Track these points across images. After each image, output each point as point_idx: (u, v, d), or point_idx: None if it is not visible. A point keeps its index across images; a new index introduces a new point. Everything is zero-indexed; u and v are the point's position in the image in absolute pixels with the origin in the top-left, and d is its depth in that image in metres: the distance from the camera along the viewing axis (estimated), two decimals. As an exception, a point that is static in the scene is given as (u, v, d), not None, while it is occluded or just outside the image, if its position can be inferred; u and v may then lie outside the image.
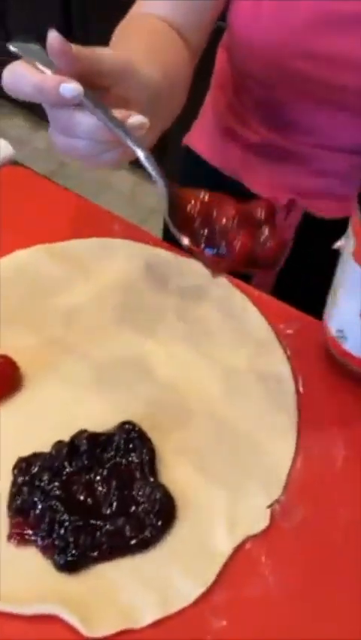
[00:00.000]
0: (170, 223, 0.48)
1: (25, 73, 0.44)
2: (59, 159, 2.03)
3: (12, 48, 0.47)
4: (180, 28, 0.66)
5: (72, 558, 0.48)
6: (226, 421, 0.58)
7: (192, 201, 0.48)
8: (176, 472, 0.54)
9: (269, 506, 0.53)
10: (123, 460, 0.53)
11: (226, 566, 0.50)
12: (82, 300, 0.65)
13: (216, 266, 0.48)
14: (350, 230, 0.53)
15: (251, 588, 0.49)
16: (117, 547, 0.49)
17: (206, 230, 0.47)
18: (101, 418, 0.56)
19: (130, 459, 0.53)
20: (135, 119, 0.47)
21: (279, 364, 0.63)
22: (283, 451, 0.56)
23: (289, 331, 0.66)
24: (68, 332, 0.63)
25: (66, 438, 0.54)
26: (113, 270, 0.69)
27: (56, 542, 0.49)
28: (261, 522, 0.52)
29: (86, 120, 0.46)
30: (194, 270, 0.70)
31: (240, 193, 0.81)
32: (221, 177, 0.83)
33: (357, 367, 0.60)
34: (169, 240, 0.71)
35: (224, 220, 0.47)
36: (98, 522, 0.50)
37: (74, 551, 0.48)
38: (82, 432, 0.54)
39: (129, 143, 0.47)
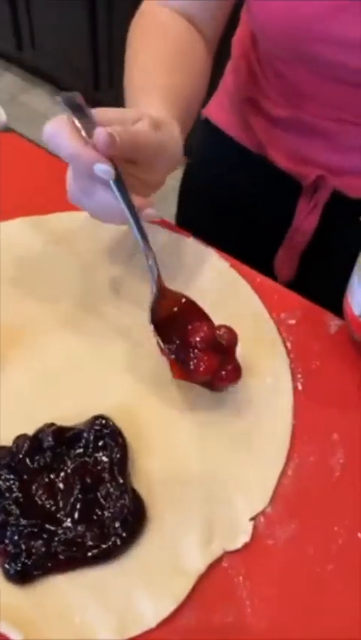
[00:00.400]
0: (149, 315, 0.52)
1: (65, 137, 0.47)
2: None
3: (58, 99, 0.51)
4: (195, 20, 0.66)
5: (24, 567, 0.43)
6: (210, 420, 0.52)
7: (173, 307, 0.53)
8: (150, 475, 0.48)
9: (252, 519, 0.47)
10: (91, 459, 0.48)
11: (197, 585, 0.44)
12: (63, 279, 0.60)
13: (179, 372, 0.51)
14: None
15: (224, 613, 0.43)
16: (75, 558, 0.44)
17: (177, 341, 0.52)
18: (72, 411, 0.50)
19: (99, 458, 0.48)
20: (149, 213, 0.51)
21: (277, 358, 0.56)
22: (273, 456, 0.50)
23: (291, 321, 0.59)
24: (43, 313, 0.57)
25: (31, 432, 0.49)
26: (101, 247, 0.63)
27: (8, 549, 0.43)
28: (241, 537, 0.46)
29: (105, 195, 0.49)
30: (191, 251, 0.64)
31: (263, 167, 0.75)
32: (242, 151, 0.77)
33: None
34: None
35: (197, 338, 0.51)
36: (56, 528, 0.44)
37: (26, 560, 0.43)
38: (48, 426, 0.49)
39: (136, 232, 0.51)
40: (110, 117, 0.51)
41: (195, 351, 0.51)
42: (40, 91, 2.16)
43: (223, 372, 0.51)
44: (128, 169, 0.52)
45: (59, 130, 0.48)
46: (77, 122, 0.49)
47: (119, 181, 0.49)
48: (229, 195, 0.81)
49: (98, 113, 0.51)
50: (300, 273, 0.79)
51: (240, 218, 0.81)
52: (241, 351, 0.56)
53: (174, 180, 0.70)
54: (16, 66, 2.21)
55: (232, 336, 0.52)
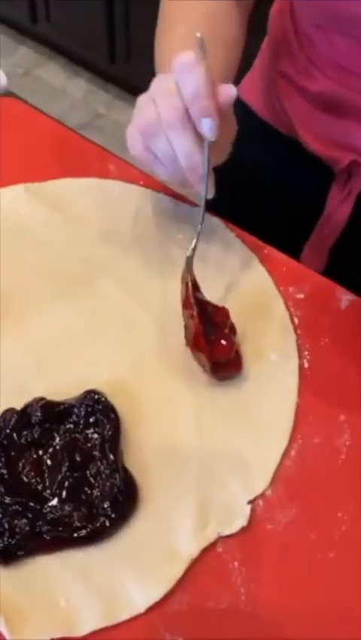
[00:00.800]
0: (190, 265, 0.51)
1: (199, 73, 0.45)
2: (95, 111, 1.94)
3: (197, 35, 0.47)
4: None
5: (7, 547, 0.41)
6: (209, 396, 0.49)
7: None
8: (143, 454, 0.46)
9: (250, 502, 0.44)
10: (82, 436, 0.45)
11: (189, 570, 0.41)
12: (60, 249, 0.57)
13: (197, 342, 0.49)
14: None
15: (217, 599, 0.41)
16: (61, 538, 0.41)
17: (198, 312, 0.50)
18: (65, 385, 0.48)
19: (90, 434, 0.45)
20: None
21: (283, 334, 0.53)
22: (275, 436, 0.47)
23: (300, 295, 0.56)
24: (37, 282, 0.54)
25: (20, 405, 0.46)
26: (100, 214, 0.60)
27: (-9, 527, 0.41)
28: (238, 520, 0.43)
29: (189, 141, 0.46)
30: (195, 221, 0.60)
31: (293, 150, 0.71)
32: (272, 133, 0.73)
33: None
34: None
35: (220, 320, 0.51)
36: (42, 507, 0.42)
37: (9, 539, 0.41)
38: (37, 400, 0.46)
39: (203, 188, 0.50)
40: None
41: (219, 330, 0.50)
42: (55, 65, 2.11)
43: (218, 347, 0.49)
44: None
45: (194, 64, 0.45)
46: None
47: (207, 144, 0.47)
48: (256, 179, 0.77)
49: None
50: (329, 266, 0.74)
51: (265, 204, 0.76)
52: (245, 326, 0.53)
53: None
54: (31, 39, 2.17)
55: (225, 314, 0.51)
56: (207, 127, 0.45)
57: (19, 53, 2.15)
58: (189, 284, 0.51)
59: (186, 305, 0.51)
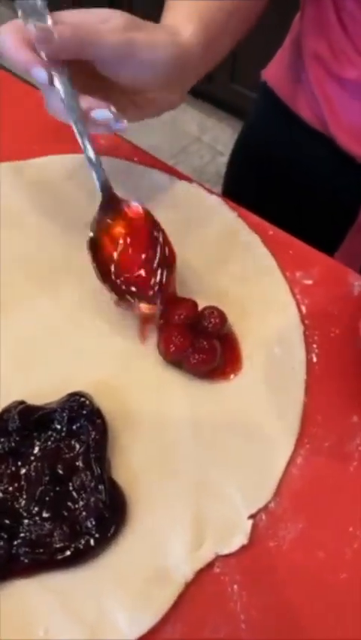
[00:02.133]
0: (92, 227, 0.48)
1: (7, 40, 0.44)
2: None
3: (17, 3, 0.45)
4: None
5: (-20, 570, 0.37)
6: (206, 398, 0.44)
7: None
8: (132, 463, 0.41)
9: (252, 516, 0.40)
10: (64, 444, 0.41)
11: (183, 594, 0.37)
12: (42, 235, 0.52)
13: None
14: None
15: (214, 628, 0.36)
16: (40, 560, 0.37)
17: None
18: (48, 386, 0.43)
19: (73, 443, 0.41)
20: (99, 113, 0.45)
21: (288, 325, 0.48)
22: (280, 441, 0.42)
23: (308, 281, 0.51)
24: (18, 271, 0.49)
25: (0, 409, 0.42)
26: (89, 195, 0.54)
27: None
28: (238, 537, 0.39)
29: (54, 101, 0.45)
30: (192, 199, 0.55)
31: (322, 146, 0.64)
32: (302, 127, 0.66)
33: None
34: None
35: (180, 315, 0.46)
36: (20, 525, 0.38)
37: (-17, 562, 0.37)
38: (16, 404, 0.42)
39: (80, 139, 0.46)
40: (70, 20, 0.44)
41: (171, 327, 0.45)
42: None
43: (196, 356, 0.44)
44: (113, 84, 0.46)
45: (2, 33, 0.44)
46: (31, 27, 0.44)
47: (65, 83, 0.44)
48: (281, 174, 0.71)
49: (60, 15, 0.45)
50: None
51: (293, 202, 0.70)
52: (245, 316, 0.48)
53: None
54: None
55: (221, 320, 0.46)
56: (35, 76, 0.43)
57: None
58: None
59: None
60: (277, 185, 0.72)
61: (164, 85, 0.47)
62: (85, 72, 0.45)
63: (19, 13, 0.45)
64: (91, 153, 0.47)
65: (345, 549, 0.39)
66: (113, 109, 0.45)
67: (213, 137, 1.36)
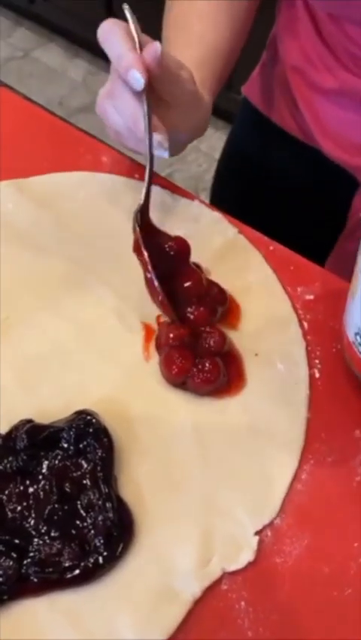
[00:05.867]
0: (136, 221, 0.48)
1: (118, 36, 0.46)
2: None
3: (125, 6, 0.49)
4: None
5: (-10, 590, 0.37)
6: (211, 415, 0.45)
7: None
8: (139, 482, 0.42)
9: (257, 533, 0.40)
10: (71, 463, 0.41)
11: (192, 612, 0.38)
12: (47, 249, 0.52)
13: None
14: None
15: (222, 645, 0.37)
16: (50, 580, 0.38)
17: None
18: (52, 404, 0.44)
19: (80, 461, 0.41)
20: (159, 136, 0.48)
21: (291, 341, 0.48)
22: (284, 457, 0.43)
23: (309, 297, 0.51)
24: (23, 288, 0.50)
25: (6, 429, 0.43)
26: (92, 211, 0.55)
27: (-27, 568, 0.38)
28: (245, 554, 0.39)
29: (129, 103, 0.47)
30: (193, 216, 0.56)
31: (309, 156, 0.64)
32: (285, 139, 0.67)
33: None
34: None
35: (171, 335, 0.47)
36: (29, 545, 0.39)
37: (-7, 581, 0.37)
38: (24, 422, 0.42)
39: (147, 145, 0.48)
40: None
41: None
42: (54, 46, 2.05)
43: (200, 376, 0.45)
44: (162, 111, 0.50)
45: (113, 29, 0.47)
46: (133, 29, 0.47)
47: (147, 98, 0.47)
48: (267, 186, 0.72)
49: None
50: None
51: (280, 212, 0.71)
52: (247, 332, 0.48)
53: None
54: (29, 20, 2.10)
55: (222, 339, 0.46)
56: (132, 77, 0.45)
57: (17, 35, 2.09)
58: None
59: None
60: (263, 195, 0.73)
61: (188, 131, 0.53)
62: None
63: (128, 15, 0.48)
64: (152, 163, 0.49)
65: (350, 564, 0.39)
66: (166, 135, 0.48)
67: (210, 146, 1.38)
